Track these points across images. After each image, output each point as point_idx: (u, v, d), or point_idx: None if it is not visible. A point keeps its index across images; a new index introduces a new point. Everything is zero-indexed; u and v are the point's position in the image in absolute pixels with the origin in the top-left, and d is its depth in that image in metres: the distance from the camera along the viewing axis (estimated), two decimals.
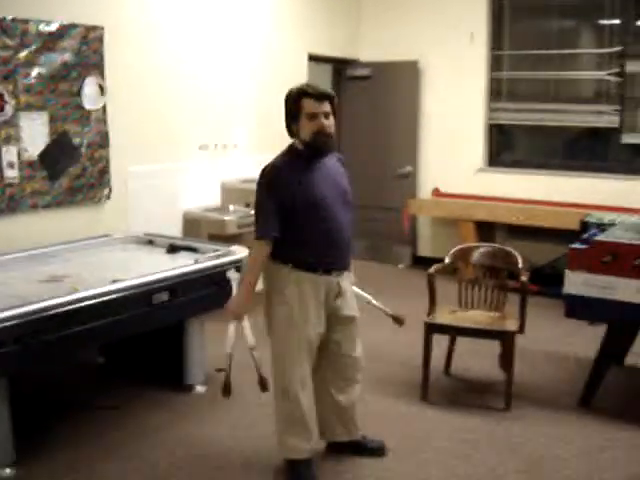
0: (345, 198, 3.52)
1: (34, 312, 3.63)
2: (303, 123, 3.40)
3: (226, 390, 3.63)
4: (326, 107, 3.43)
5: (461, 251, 5.14)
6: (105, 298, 3.99)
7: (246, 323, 3.63)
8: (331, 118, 3.45)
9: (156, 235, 5.47)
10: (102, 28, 5.61)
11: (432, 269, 4.94)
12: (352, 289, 3.73)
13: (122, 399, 4.74)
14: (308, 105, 3.39)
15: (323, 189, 3.42)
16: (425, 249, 8.50)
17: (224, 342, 3.69)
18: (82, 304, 3.86)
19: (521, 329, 4.68)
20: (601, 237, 4.72)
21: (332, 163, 3.55)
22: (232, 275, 3.67)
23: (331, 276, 3.47)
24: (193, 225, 6.38)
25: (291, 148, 3.53)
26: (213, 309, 4.50)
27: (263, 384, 3.63)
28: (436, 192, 8.36)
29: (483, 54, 8.07)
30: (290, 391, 3.51)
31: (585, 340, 5.58)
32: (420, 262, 8.06)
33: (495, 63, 8.14)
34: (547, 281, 6.91)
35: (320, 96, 3.42)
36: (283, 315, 3.46)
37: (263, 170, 3.49)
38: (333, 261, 3.47)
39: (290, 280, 3.45)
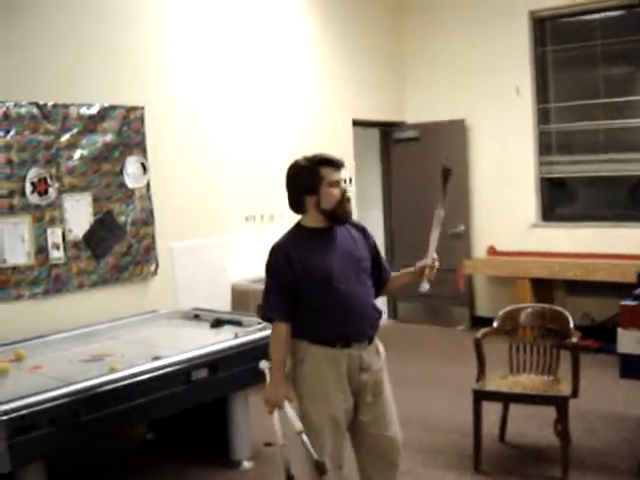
0: (360, 267, 3.42)
1: (69, 394, 3.64)
2: (325, 192, 3.36)
3: None
4: (344, 174, 3.42)
5: (509, 313, 4.97)
6: (143, 377, 3.97)
7: (288, 408, 3.34)
8: (348, 185, 3.44)
9: (202, 310, 5.47)
10: (142, 108, 5.75)
11: (479, 334, 4.79)
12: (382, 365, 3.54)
13: (168, 476, 4.69)
14: (329, 173, 3.36)
15: (332, 262, 3.35)
16: (483, 309, 8.31)
17: (273, 433, 3.41)
18: (119, 384, 3.85)
19: (574, 393, 4.47)
20: None
21: (344, 233, 3.47)
22: (264, 365, 3.54)
23: (351, 349, 3.36)
24: (241, 297, 6.36)
25: (298, 226, 3.48)
26: (256, 383, 4.42)
27: None
28: (491, 250, 8.21)
29: (530, 108, 7.97)
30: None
31: None
32: (479, 323, 7.87)
33: (542, 116, 8.04)
34: (609, 337, 6.65)
35: (339, 164, 3.40)
36: (303, 391, 3.37)
37: (270, 250, 3.45)
38: (351, 334, 3.37)
39: (308, 355, 3.36)
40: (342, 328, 3.34)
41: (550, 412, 4.63)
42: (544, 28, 7.99)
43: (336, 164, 3.39)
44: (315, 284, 3.31)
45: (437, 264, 3.45)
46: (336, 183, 3.37)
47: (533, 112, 7.99)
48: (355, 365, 3.37)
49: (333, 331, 3.34)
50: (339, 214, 3.39)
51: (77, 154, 5.35)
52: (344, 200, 3.39)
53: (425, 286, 3.43)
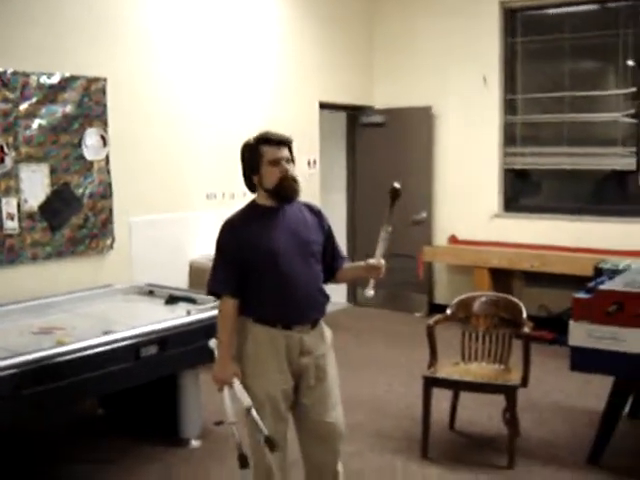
0: (308, 249, 3.39)
1: (11, 366, 3.57)
2: (265, 171, 3.31)
3: (243, 462, 3.35)
4: (286, 152, 3.36)
5: (463, 301, 4.98)
6: (90, 352, 3.92)
7: (237, 385, 3.31)
8: (291, 164, 3.38)
9: (157, 286, 5.42)
10: (104, 79, 5.65)
11: (431, 321, 4.80)
12: (328, 348, 3.50)
13: (117, 453, 4.66)
14: (268, 152, 3.32)
15: (280, 242, 3.31)
16: (442, 297, 8.33)
17: (224, 411, 3.39)
18: (65, 358, 3.80)
19: (524, 383, 4.50)
20: (607, 285, 4.55)
21: (295, 214, 3.42)
22: (213, 343, 3.51)
23: (292, 331, 3.34)
24: (199, 275, 6.30)
25: (251, 203, 3.45)
26: (207, 362, 4.39)
27: (242, 460, 3.31)
28: (452, 239, 8.24)
29: (496, 98, 7.99)
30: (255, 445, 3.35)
31: (599, 392, 5.35)
32: (437, 310, 7.88)
33: (509, 107, 8.06)
34: (563, 329, 6.70)
35: (280, 141, 3.34)
36: (246, 368, 3.34)
37: (221, 225, 3.42)
38: (293, 316, 3.34)
39: (250, 333, 3.34)
40: (283, 309, 3.31)
41: (501, 401, 4.67)
42: (514, 19, 8.00)
43: (276, 142, 3.34)
44: (259, 262, 3.28)
45: (384, 270, 3.40)
46: (276, 162, 3.31)
47: (500, 102, 8.01)
48: (295, 347, 3.33)
49: (274, 311, 3.31)
50: (281, 193, 3.35)
51: (35, 124, 5.24)
52: (286, 179, 3.32)
53: (370, 292, 3.43)
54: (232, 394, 3.35)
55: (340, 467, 3.49)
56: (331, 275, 3.54)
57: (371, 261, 3.40)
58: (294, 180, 3.35)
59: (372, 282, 3.42)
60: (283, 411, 3.38)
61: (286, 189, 3.33)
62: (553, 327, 7.07)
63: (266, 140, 3.34)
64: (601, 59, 7.80)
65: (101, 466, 4.46)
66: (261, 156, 3.31)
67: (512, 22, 7.99)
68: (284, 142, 3.36)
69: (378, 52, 8.73)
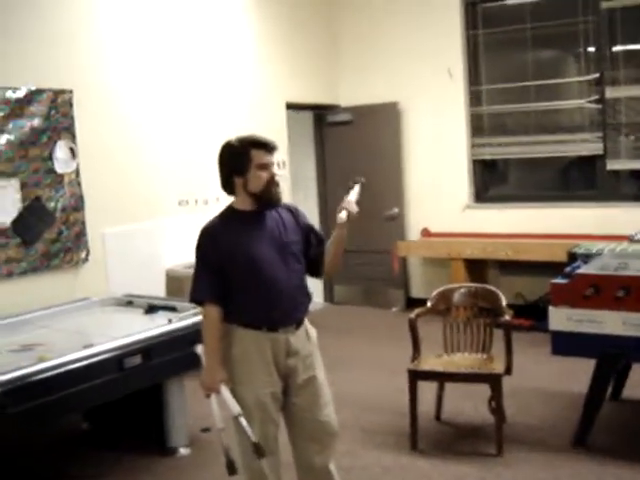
0: (287, 250, 3.39)
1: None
2: (253, 175, 3.32)
3: (231, 469, 3.31)
4: (274, 157, 3.38)
5: (443, 293, 5.02)
6: (73, 366, 3.89)
7: (225, 392, 3.29)
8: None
9: (135, 296, 5.38)
10: (71, 91, 5.61)
11: (413, 314, 4.83)
12: (313, 348, 3.50)
13: (105, 466, 4.63)
14: (258, 156, 3.32)
15: (260, 247, 3.31)
16: (418, 291, 8.38)
17: (212, 418, 3.40)
18: (48, 374, 3.76)
19: (508, 370, 4.55)
20: (583, 270, 4.61)
21: (273, 216, 3.42)
22: (199, 349, 3.50)
23: (278, 333, 3.34)
24: (175, 283, 6.28)
25: (228, 208, 3.45)
26: (192, 369, 4.38)
27: (230, 467, 3.28)
28: (425, 232, 8.29)
29: (461, 90, 8.05)
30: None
31: (581, 376, 5.41)
32: (414, 304, 7.90)
33: (474, 98, 8.13)
34: (541, 316, 6.77)
35: (270, 146, 3.36)
36: (233, 373, 3.33)
37: (199, 232, 3.41)
38: (277, 318, 3.34)
39: (235, 338, 3.34)
40: (267, 312, 3.31)
41: (485, 390, 4.70)
42: (475, 11, 8.06)
43: (267, 147, 3.35)
44: (240, 267, 3.28)
45: (354, 207, 3.41)
46: (265, 166, 3.33)
47: (465, 94, 8.08)
48: (281, 349, 3.34)
49: (258, 315, 3.31)
50: (266, 198, 3.36)
51: (3, 139, 5.18)
52: (272, 184, 3.35)
53: (342, 216, 3.40)
54: (220, 401, 3.34)
55: (333, 466, 3.49)
56: (320, 264, 3.51)
57: (340, 215, 3.39)
58: (278, 185, 3.37)
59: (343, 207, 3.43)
60: (273, 414, 3.37)
61: (272, 194, 3.35)
62: (530, 314, 7.13)
63: (256, 144, 3.34)
64: (563, 47, 7.89)
65: None
66: (250, 159, 3.30)
67: (473, 14, 8.05)
68: (273, 147, 3.37)
69: (342, 50, 8.75)
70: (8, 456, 4.43)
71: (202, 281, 3.34)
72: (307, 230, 3.51)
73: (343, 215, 3.39)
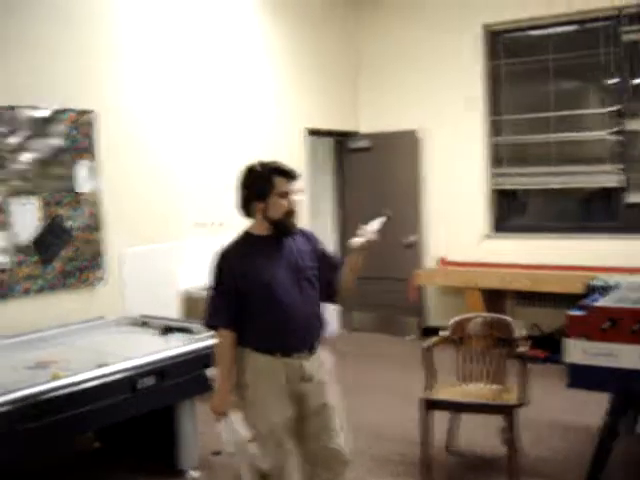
0: (303, 276, 3.39)
1: (7, 402, 3.54)
2: (274, 201, 3.33)
3: None
4: (296, 186, 3.39)
5: (459, 322, 4.99)
6: (86, 385, 3.89)
7: (235, 417, 3.32)
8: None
9: (151, 317, 5.39)
10: (92, 112, 5.66)
11: (428, 343, 4.80)
12: (324, 375, 3.49)
13: None
14: (281, 184, 3.34)
15: (276, 273, 3.32)
16: (433, 319, 8.34)
17: (221, 442, 3.42)
18: (61, 392, 3.77)
19: (522, 402, 4.50)
20: (600, 302, 4.57)
21: (289, 242, 3.43)
22: (210, 372, 3.50)
23: (292, 358, 3.34)
24: (191, 305, 6.30)
25: (245, 233, 3.46)
26: (204, 392, 4.37)
27: None
28: (443, 261, 8.26)
29: (481, 120, 8.06)
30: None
31: (596, 408, 5.35)
32: (429, 333, 7.88)
33: (494, 128, 8.13)
34: (556, 348, 6.71)
35: (293, 175, 3.37)
36: (246, 399, 3.33)
37: (215, 257, 3.42)
38: (291, 343, 3.34)
39: (249, 363, 3.33)
40: (282, 337, 3.31)
41: (496, 421, 4.65)
42: (497, 41, 8.08)
43: (290, 175, 3.37)
44: (256, 293, 3.29)
45: (373, 235, 3.45)
46: (286, 194, 3.35)
47: (484, 124, 8.08)
48: (296, 375, 3.33)
49: (273, 340, 3.32)
50: (282, 226, 3.37)
51: (25, 157, 5.24)
52: (292, 213, 3.37)
53: (356, 241, 3.46)
54: (230, 425, 3.33)
55: None
56: (335, 286, 3.52)
57: (354, 240, 3.43)
58: (295, 215, 3.39)
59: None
60: (286, 439, 3.36)
61: (289, 224, 3.38)
62: (545, 346, 7.07)
63: (280, 171, 3.36)
64: (584, 79, 7.89)
65: None
66: (273, 186, 3.33)
67: (495, 44, 8.08)
68: (296, 176, 3.40)
69: (363, 78, 8.80)
70: (19, 473, 4.44)
71: (217, 306, 3.35)
72: (322, 255, 3.52)
73: (358, 241, 3.40)
